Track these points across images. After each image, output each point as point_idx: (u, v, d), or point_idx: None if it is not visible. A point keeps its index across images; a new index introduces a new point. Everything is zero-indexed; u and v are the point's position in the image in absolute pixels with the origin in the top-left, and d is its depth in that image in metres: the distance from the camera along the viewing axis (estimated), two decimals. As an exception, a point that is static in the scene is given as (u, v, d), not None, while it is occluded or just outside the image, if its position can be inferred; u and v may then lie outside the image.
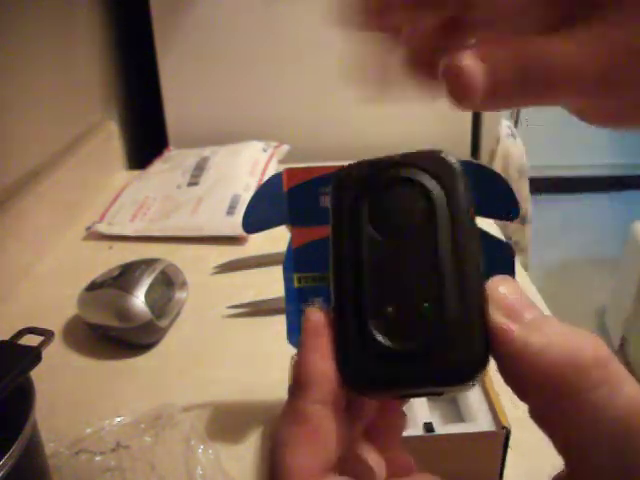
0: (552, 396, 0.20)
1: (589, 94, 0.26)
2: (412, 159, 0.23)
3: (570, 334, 0.21)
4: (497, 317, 0.22)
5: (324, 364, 0.23)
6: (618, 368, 0.20)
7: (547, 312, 0.77)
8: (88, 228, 0.90)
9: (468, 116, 1.16)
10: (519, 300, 0.22)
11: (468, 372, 0.22)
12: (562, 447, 0.21)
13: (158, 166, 1.06)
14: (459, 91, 0.24)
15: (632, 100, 0.26)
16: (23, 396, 0.40)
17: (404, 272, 0.22)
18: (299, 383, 0.22)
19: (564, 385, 0.20)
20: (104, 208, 0.94)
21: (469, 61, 0.24)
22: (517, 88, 0.25)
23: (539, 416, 0.21)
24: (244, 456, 0.52)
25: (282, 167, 0.49)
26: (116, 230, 0.89)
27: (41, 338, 0.42)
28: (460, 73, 0.24)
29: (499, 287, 0.22)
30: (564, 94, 0.26)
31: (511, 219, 0.44)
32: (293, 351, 0.53)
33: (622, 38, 0.24)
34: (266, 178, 0.49)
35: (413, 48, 0.29)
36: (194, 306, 0.73)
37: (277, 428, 0.22)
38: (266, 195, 0.49)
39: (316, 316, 0.23)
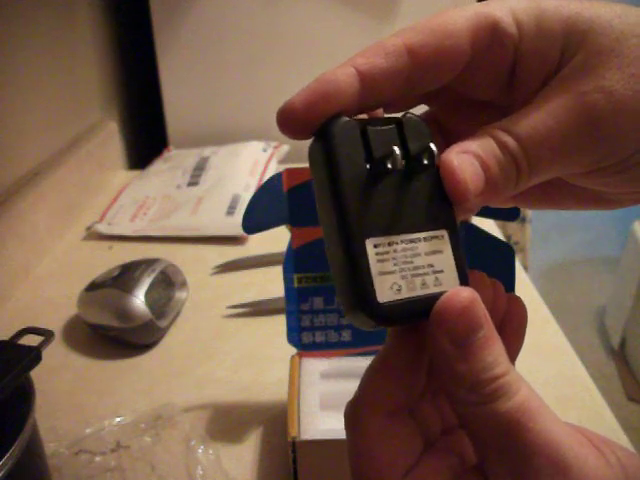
0: None
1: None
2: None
3: None
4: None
5: None
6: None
7: (547, 312, 0.76)
8: (88, 228, 0.90)
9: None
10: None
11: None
12: None
13: (158, 166, 1.06)
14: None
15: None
16: (23, 396, 0.40)
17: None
18: None
19: None
20: (104, 208, 0.94)
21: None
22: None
23: None
24: (244, 456, 0.52)
25: (282, 167, 0.49)
26: (116, 230, 0.89)
27: (41, 338, 0.42)
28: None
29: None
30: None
31: (511, 219, 0.45)
32: (293, 351, 0.53)
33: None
34: (266, 178, 0.49)
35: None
36: (194, 306, 0.73)
37: None
38: (266, 195, 0.49)
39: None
